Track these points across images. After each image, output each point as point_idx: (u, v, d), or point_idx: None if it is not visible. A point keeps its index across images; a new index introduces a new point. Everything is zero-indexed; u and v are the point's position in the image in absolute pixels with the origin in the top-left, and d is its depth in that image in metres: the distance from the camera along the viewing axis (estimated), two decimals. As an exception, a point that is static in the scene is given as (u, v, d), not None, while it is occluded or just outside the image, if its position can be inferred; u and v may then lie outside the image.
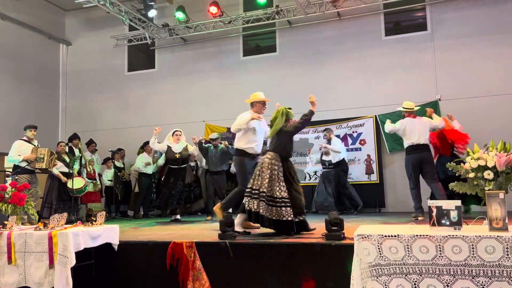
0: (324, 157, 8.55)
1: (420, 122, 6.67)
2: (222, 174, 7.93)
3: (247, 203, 4.54)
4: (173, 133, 7.63)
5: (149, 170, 9.18)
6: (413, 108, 6.79)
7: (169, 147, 7.47)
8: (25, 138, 7.12)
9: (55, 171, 7.56)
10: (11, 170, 7.19)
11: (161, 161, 9.39)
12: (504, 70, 8.63)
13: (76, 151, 8.62)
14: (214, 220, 7.13)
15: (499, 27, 8.76)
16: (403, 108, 6.85)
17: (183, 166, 7.49)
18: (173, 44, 11.30)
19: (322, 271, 3.56)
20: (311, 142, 9.63)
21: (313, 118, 9.66)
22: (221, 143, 7.91)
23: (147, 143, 9.36)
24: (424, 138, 6.51)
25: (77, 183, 7.56)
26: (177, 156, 7.39)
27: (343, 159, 8.49)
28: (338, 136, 9.19)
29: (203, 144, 7.76)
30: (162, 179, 7.74)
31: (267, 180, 4.52)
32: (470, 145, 6.54)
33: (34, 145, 7.07)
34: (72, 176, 7.65)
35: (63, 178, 7.66)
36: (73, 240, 3.73)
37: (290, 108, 5.22)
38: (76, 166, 8.19)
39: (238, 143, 5.34)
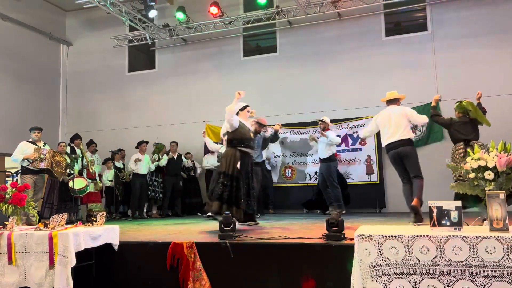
0: None
1: None
2: (259, 166, 7.07)
3: None
4: (244, 107, 5.45)
5: (143, 170, 9.15)
6: None
7: (241, 123, 5.30)
8: (30, 139, 7.18)
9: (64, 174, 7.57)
10: (13, 170, 7.23)
11: (164, 161, 9.38)
12: (504, 70, 8.63)
13: (78, 151, 8.63)
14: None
15: (499, 27, 8.76)
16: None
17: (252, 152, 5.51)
18: (173, 44, 11.30)
19: (322, 272, 3.56)
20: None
21: (313, 119, 9.68)
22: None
23: (141, 142, 9.36)
24: None
25: (79, 183, 7.56)
26: (252, 135, 5.37)
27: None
28: (338, 135, 9.19)
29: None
30: (237, 165, 5.15)
31: None
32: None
33: (39, 147, 7.10)
34: (73, 176, 7.66)
35: (66, 178, 7.68)
36: (73, 241, 3.72)
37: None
38: (77, 167, 8.20)
39: (410, 134, 5.46)
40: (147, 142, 9.49)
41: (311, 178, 9.46)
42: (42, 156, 6.90)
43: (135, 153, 9.33)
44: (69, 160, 7.93)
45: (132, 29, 11.19)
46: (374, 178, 9.01)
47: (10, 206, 4.31)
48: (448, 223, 2.66)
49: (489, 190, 2.79)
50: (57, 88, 12.16)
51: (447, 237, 2.50)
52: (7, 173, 10.20)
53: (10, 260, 3.83)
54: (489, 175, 2.86)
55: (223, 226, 4.12)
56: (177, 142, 9.75)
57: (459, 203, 2.71)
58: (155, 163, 9.38)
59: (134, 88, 11.63)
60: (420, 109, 9.05)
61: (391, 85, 9.29)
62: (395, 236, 2.58)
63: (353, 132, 9.32)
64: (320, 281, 3.54)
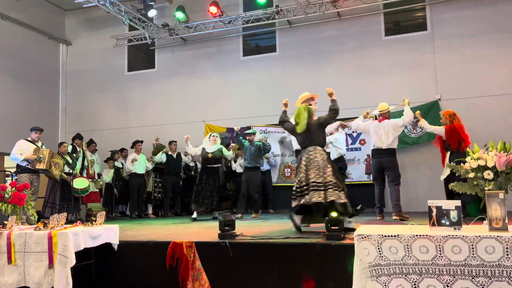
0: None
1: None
2: (255, 171, 7.90)
3: None
4: (209, 136, 8.12)
5: (140, 169, 9.14)
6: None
7: (203, 148, 7.92)
8: (29, 138, 7.17)
9: (62, 175, 7.55)
10: (13, 170, 7.21)
11: (158, 157, 9.37)
12: (504, 70, 8.63)
13: (79, 151, 8.62)
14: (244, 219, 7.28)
15: (499, 27, 8.76)
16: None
17: (215, 166, 7.84)
18: (173, 44, 11.30)
19: (322, 271, 3.56)
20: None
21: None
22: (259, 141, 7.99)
23: (136, 142, 9.35)
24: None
25: (81, 183, 7.55)
26: (210, 156, 7.80)
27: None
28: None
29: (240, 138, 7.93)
30: (197, 178, 8.02)
31: None
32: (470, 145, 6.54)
33: (38, 146, 7.09)
34: (75, 176, 7.65)
35: (68, 178, 7.68)
36: (73, 240, 3.72)
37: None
38: (78, 166, 8.19)
39: None
40: (142, 142, 9.47)
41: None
42: (41, 156, 6.90)
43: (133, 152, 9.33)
44: (70, 161, 7.92)
45: (131, 28, 11.18)
46: (374, 177, 8.99)
47: (10, 205, 4.30)
48: (447, 223, 2.66)
49: (488, 190, 2.80)
50: (57, 87, 12.15)
51: (446, 236, 2.50)
52: (6, 172, 10.20)
53: (9, 260, 3.83)
54: (488, 174, 2.86)
55: (223, 226, 4.12)
56: (176, 142, 9.74)
57: (458, 202, 2.71)
58: (151, 162, 9.37)
59: (133, 87, 11.62)
60: (419, 109, 9.09)
61: (390, 85, 9.33)
62: (395, 236, 2.58)
63: (353, 132, 9.32)
64: (320, 281, 3.54)
